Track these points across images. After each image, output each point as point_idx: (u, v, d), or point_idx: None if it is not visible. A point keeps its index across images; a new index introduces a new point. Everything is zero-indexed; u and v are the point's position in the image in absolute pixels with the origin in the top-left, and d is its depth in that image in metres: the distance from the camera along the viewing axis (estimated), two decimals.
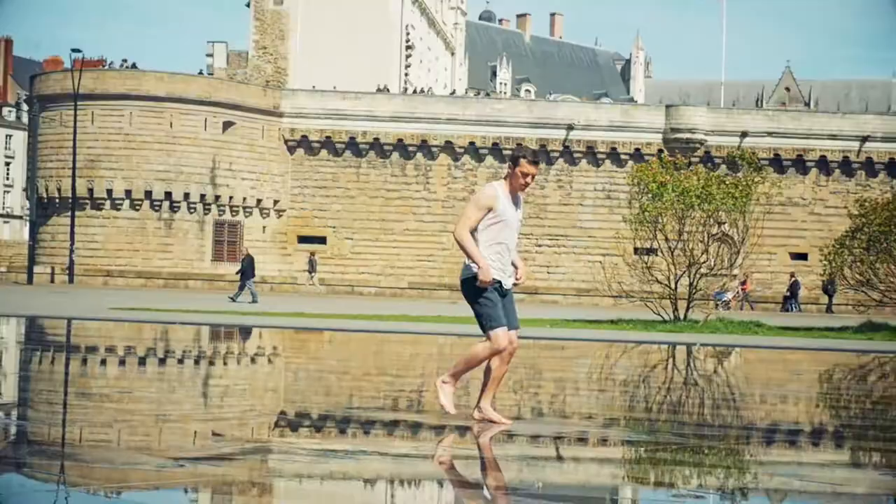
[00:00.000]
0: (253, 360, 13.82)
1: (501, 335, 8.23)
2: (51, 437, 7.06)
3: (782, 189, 64.18)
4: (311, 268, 55.32)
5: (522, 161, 8.17)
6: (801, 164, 64.76)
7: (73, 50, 52.80)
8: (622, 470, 6.90)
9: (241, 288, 38.69)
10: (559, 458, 7.20)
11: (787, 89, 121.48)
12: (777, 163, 64.42)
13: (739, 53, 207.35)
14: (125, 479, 5.61)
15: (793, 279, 57.65)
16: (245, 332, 20.51)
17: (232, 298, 36.67)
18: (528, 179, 8.19)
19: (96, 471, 5.83)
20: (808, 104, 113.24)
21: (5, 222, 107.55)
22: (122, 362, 12.87)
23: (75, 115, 56.25)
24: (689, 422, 9.34)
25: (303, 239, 64.82)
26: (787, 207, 64.21)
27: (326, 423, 8.07)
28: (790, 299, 56.06)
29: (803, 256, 62.60)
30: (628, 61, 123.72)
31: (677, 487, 6.12)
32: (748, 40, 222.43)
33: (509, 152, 64.53)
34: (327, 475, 6.06)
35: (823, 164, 64.72)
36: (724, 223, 28.72)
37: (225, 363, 13.59)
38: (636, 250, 28.83)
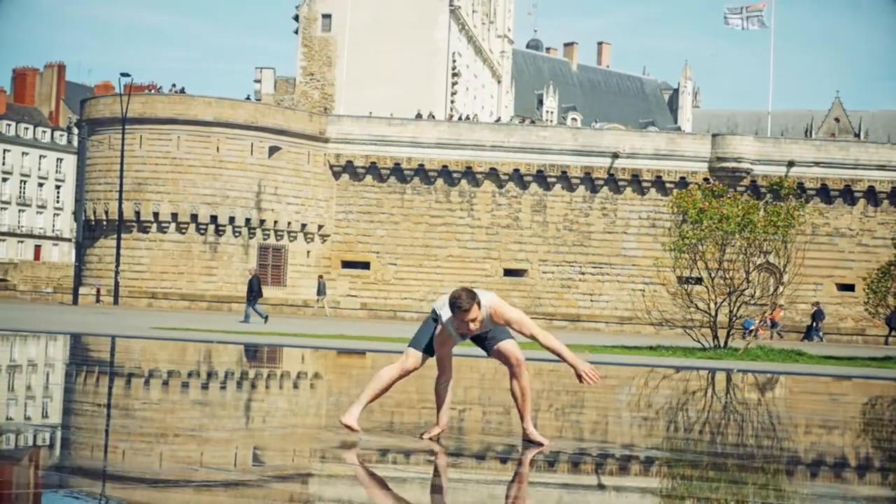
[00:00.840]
0: (296, 384, 13.85)
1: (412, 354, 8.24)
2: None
3: (829, 219, 63.97)
4: (320, 290, 55.29)
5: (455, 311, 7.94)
6: (848, 195, 64.18)
7: (123, 74, 53.47)
8: (665, 494, 6.82)
9: (251, 307, 38.71)
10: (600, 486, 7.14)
11: (837, 120, 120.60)
12: (824, 193, 63.94)
13: (788, 84, 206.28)
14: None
15: (815, 308, 56.92)
16: (278, 352, 20.56)
17: (245, 320, 36.91)
18: (469, 324, 7.93)
19: (141, 486, 5.85)
20: (857, 135, 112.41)
21: (55, 245, 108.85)
22: (165, 382, 12.94)
23: (123, 139, 56.86)
24: (729, 450, 9.23)
25: (347, 264, 65.05)
26: (833, 238, 63.71)
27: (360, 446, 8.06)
28: (812, 328, 55.30)
29: (850, 287, 61.95)
30: (676, 91, 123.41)
31: None
32: (797, 71, 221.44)
33: (553, 180, 64.72)
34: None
35: (871, 195, 64.11)
36: (768, 252, 28.47)
37: (269, 385, 13.63)
38: (680, 279, 28.65)
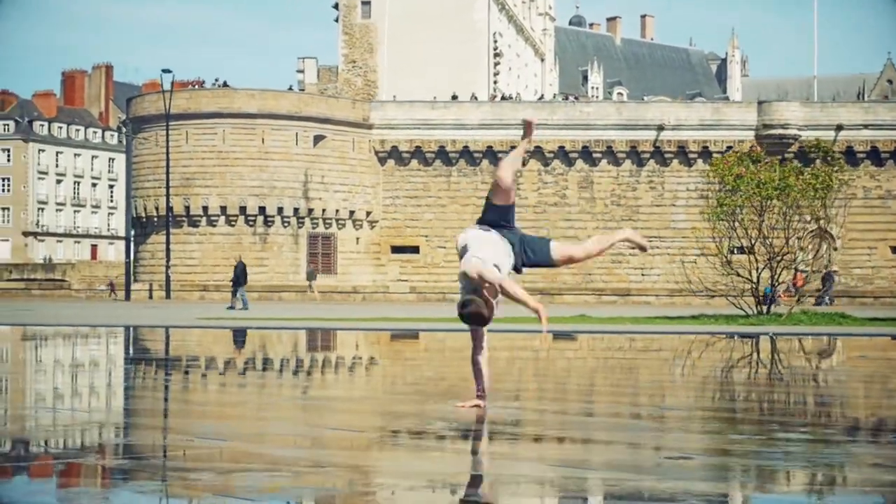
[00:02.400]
0: (352, 368, 13.96)
1: None
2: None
3: (881, 182, 63.15)
4: (310, 276, 55.44)
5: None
6: None
7: (164, 71, 53.88)
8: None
9: (234, 295, 38.97)
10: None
11: (890, 81, 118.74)
12: (875, 155, 63.12)
13: (839, 48, 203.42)
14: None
15: (825, 272, 55.94)
16: (334, 336, 20.73)
17: (231, 307, 37.16)
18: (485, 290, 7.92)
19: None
20: None
21: (110, 244, 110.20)
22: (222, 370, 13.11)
23: (167, 135, 57.40)
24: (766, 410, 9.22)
25: (396, 249, 65.31)
26: (886, 200, 62.91)
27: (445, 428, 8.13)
28: (823, 293, 54.38)
29: None
30: (724, 60, 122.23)
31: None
32: (847, 34, 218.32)
33: (598, 155, 64.46)
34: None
35: None
36: (817, 217, 28.13)
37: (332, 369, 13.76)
38: (730, 249, 28.44)
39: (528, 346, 17.04)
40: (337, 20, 75.75)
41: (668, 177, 64.50)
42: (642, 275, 63.73)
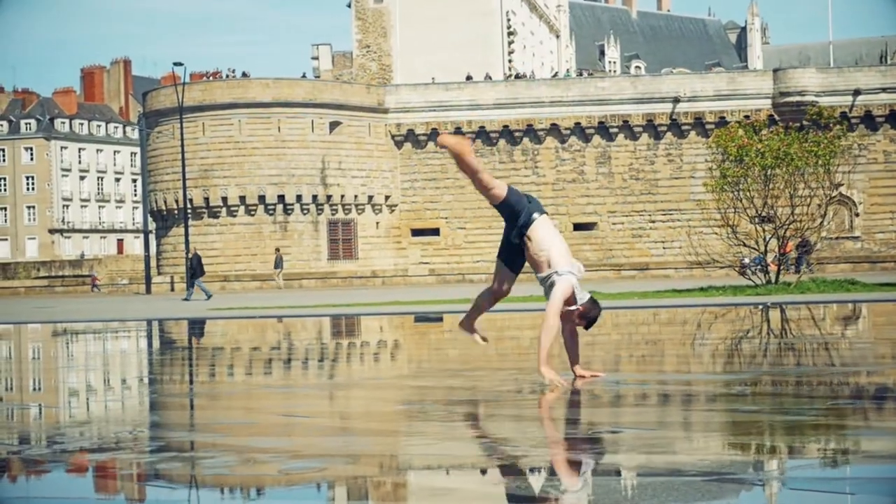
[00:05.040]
0: (377, 354, 14.08)
1: None
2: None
3: None
4: (277, 264, 55.46)
5: None
6: None
7: (176, 64, 54.04)
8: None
9: (191, 286, 39.12)
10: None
11: None
12: (894, 119, 62.62)
13: (860, 11, 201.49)
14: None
15: (801, 239, 55.37)
16: (356, 322, 20.86)
17: (187, 299, 37.31)
18: None
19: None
20: None
21: (136, 238, 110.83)
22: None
23: (181, 127, 57.66)
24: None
25: (416, 232, 65.42)
26: None
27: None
28: (798, 260, 53.90)
29: None
30: (743, 29, 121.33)
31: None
32: None
33: (615, 130, 64.29)
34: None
35: None
36: (836, 184, 27.98)
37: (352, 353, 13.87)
38: (751, 219, 28.34)
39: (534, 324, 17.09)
40: (349, 5, 75.74)
41: (686, 149, 64.28)
42: (663, 248, 63.59)
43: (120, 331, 19.52)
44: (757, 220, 27.57)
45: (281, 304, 29.47)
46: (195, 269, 39.19)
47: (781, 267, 26.65)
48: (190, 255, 40.89)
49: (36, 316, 26.77)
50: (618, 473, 4.91)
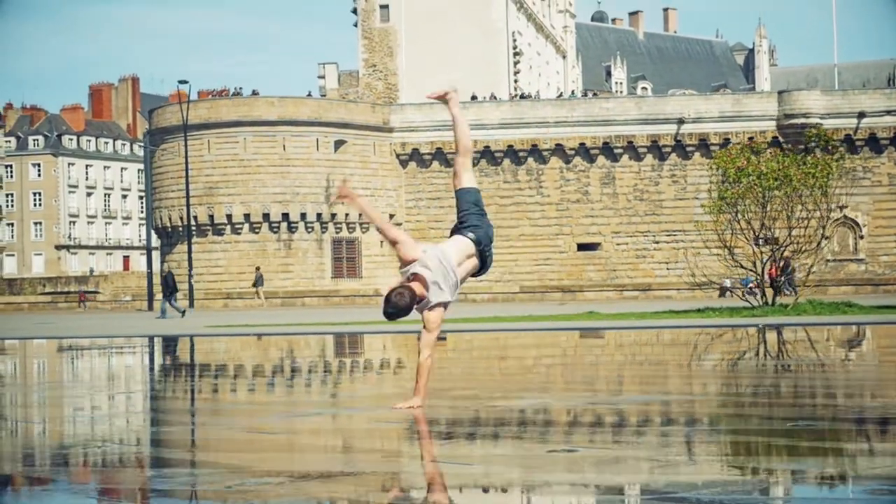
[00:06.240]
0: (381, 368, 14.12)
1: None
2: None
3: None
4: (257, 282, 55.40)
5: None
6: None
7: (181, 82, 54.25)
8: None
9: (168, 302, 38.90)
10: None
11: None
12: None
13: (868, 34, 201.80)
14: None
15: (784, 262, 55.37)
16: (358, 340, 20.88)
17: (161, 316, 37.22)
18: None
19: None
20: None
21: (142, 254, 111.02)
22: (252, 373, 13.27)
23: (185, 145, 57.86)
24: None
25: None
26: None
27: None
28: (784, 282, 53.82)
29: None
30: (751, 51, 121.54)
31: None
32: (877, 20, 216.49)
33: (620, 150, 64.36)
34: None
35: None
36: (840, 206, 28.00)
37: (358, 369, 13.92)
38: (757, 240, 28.36)
39: (557, 342, 17.14)
40: (356, 25, 76.02)
41: (690, 170, 64.32)
42: (667, 269, 63.55)
43: (105, 348, 19.56)
44: (755, 241, 27.59)
45: (279, 321, 29.49)
46: (170, 287, 39.03)
47: (777, 288, 26.67)
48: (164, 273, 40.79)
49: (32, 332, 26.84)
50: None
